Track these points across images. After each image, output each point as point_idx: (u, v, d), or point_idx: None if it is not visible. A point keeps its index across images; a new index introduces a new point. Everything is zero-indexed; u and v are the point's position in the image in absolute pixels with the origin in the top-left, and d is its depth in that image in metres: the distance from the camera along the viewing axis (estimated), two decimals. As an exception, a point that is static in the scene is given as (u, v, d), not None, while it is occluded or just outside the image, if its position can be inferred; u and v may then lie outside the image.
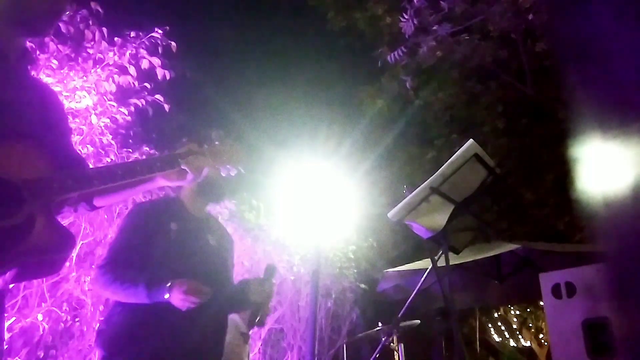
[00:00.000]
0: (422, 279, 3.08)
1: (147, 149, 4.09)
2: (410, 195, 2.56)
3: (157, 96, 3.90)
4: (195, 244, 2.09)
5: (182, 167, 1.51)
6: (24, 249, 1.13)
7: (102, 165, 2.07)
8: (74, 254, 3.02)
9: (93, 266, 3.09)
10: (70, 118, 3.59)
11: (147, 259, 1.98)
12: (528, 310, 14.06)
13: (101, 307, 3.81)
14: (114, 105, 3.78)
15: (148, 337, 1.89)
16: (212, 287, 1.95)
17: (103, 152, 3.76)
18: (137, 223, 2.09)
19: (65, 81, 3.55)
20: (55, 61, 3.52)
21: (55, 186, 1.20)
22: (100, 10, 3.65)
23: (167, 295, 1.84)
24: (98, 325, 3.34)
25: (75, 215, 1.46)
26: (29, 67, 1.46)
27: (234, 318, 3.18)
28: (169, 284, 1.86)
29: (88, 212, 1.50)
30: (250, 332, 3.26)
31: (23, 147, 1.21)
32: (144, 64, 3.81)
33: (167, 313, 1.86)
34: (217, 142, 1.71)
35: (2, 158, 1.16)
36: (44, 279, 3.43)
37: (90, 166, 1.75)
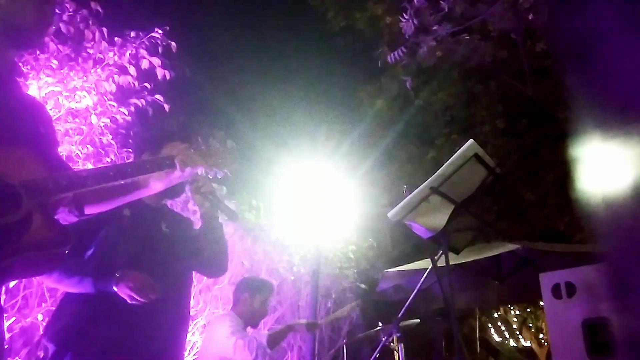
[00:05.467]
0: (422, 279, 3.07)
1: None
2: (410, 195, 2.55)
3: (157, 96, 3.90)
4: (148, 230, 2.06)
5: (175, 164, 1.52)
6: (22, 245, 1.18)
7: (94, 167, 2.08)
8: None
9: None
10: (70, 118, 3.60)
11: (97, 245, 1.93)
12: (528, 310, 14.08)
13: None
14: (114, 105, 3.78)
15: (99, 329, 1.82)
16: (166, 276, 1.91)
17: (103, 152, 3.76)
18: None
19: (65, 81, 3.54)
20: (55, 61, 3.52)
21: (50, 186, 1.25)
22: (100, 10, 3.65)
23: (114, 288, 1.78)
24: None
25: (68, 221, 1.47)
26: (18, 79, 1.48)
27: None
28: (118, 275, 1.79)
29: (78, 220, 1.49)
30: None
31: (19, 153, 1.25)
32: (144, 64, 3.81)
33: (119, 303, 1.80)
34: (203, 146, 1.72)
35: (0, 162, 1.20)
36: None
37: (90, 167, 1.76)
